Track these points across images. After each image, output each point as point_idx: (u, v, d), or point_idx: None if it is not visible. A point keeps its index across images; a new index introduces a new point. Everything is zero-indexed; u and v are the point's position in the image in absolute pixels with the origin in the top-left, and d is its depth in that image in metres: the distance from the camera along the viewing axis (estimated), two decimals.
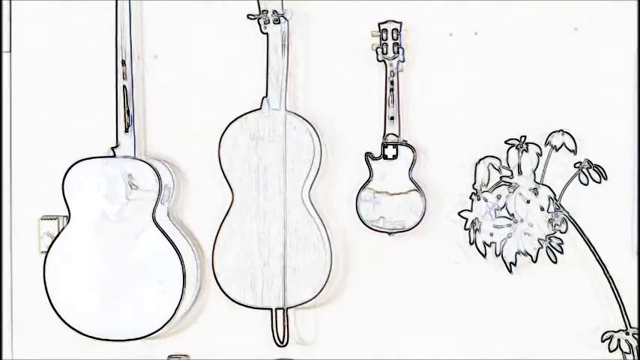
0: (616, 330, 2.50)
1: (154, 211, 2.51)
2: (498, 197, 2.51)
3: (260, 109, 2.54)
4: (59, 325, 2.53)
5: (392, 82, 2.52)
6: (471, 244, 2.52)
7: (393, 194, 2.53)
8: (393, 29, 2.52)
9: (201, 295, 2.59)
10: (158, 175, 2.51)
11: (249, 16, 2.53)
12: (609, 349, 2.50)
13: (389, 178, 2.53)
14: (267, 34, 2.53)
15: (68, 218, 2.54)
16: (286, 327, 2.56)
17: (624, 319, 2.50)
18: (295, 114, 2.54)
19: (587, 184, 2.50)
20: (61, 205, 2.53)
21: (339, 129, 2.56)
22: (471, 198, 2.52)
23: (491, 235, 2.51)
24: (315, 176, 2.54)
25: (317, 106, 2.56)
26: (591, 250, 2.50)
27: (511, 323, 2.55)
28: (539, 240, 2.50)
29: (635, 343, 2.49)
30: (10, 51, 2.64)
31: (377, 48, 2.52)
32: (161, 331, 2.52)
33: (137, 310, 2.52)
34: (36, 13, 2.63)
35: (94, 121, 2.60)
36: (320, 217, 2.54)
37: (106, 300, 2.52)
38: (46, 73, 2.63)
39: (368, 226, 2.53)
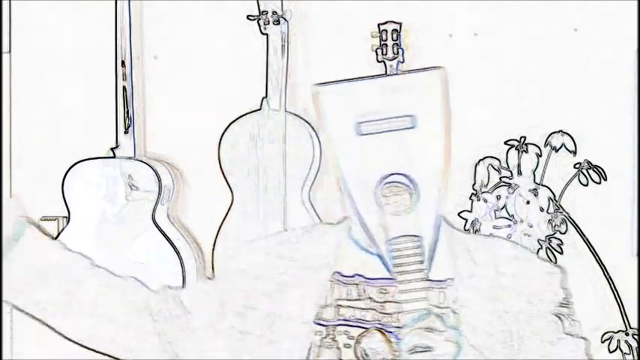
0: (616, 331, 2.50)
1: (153, 211, 2.51)
2: (498, 198, 2.51)
3: (260, 109, 2.54)
4: None
5: None
6: None
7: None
8: (393, 30, 2.52)
9: None
10: (158, 175, 2.51)
11: (249, 17, 2.54)
12: (609, 349, 2.51)
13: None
14: (266, 34, 2.53)
15: (68, 219, 2.54)
16: None
17: (624, 320, 2.50)
18: (295, 115, 2.54)
19: (587, 185, 2.50)
20: (61, 206, 2.54)
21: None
22: (470, 199, 2.52)
23: (491, 235, 2.52)
24: (315, 177, 2.54)
25: None
26: (591, 251, 2.50)
27: None
28: (538, 241, 2.50)
29: (635, 344, 2.50)
30: (10, 51, 2.64)
31: (376, 49, 2.52)
32: None
33: None
34: (36, 13, 2.63)
35: (94, 121, 2.60)
36: (320, 218, 2.54)
37: None
38: (46, 74, 2.63)
39: None
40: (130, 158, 2.54)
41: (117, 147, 2.55)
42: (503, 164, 2.52)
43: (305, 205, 2.54)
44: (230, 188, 2.54)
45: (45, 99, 2.63)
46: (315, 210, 2.55)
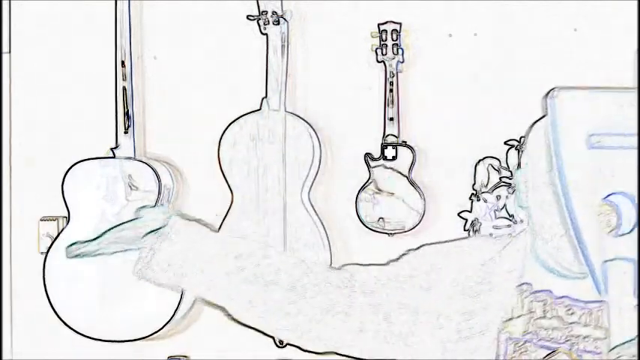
0: None
1: None
2: (498, 198, 2.51)
3: (259, 109, 2.54)
4: (59, 326, 2.53)
5: (391, 83, 2.52)
6: None
7: (392, 195, 2.53)
8: (393, 30, 2.52)
9: None
10: (158, 176, 2.51)
11: (249, 17, 2.54)
12: None
13: (388, 179, 2.53)
14: (266, 34, 2.53)
15: (68, 219, 2.54)
16: None
17: None
18: (295, 115, 2.54)
19: None
20: (61, 206, 2.54)
21: (339, 130, 2.56)
22: (470, 199, 2.52)
23: (491, 235, 2.51)
24: (315, 177, 2.54)
25: (316, 106, 2.56)
26: None
27: None
28: None
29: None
30: (10, 51, 2.64)
31: (376, 49, 2.52)
32: (161, 331, 2.52)
33: (137, 311, 2.52)
34: (36, 13, 2.64)
35: (94, 121, 2.60)
36: (320, 218, 2.54)
37: (106, 301, 2.52)
38: (46, 74, 2.63)
39: (368, 227, 2.53)
40: (129, 158, 2.54)
41: (117, 147, 2.55)
42: (503, 164, 2.51)
43: (305, 205, 2.54)
44: (230, 188, 2.54)
45: (45, 99, 2.63)
46: (315, 210, 2.55)
